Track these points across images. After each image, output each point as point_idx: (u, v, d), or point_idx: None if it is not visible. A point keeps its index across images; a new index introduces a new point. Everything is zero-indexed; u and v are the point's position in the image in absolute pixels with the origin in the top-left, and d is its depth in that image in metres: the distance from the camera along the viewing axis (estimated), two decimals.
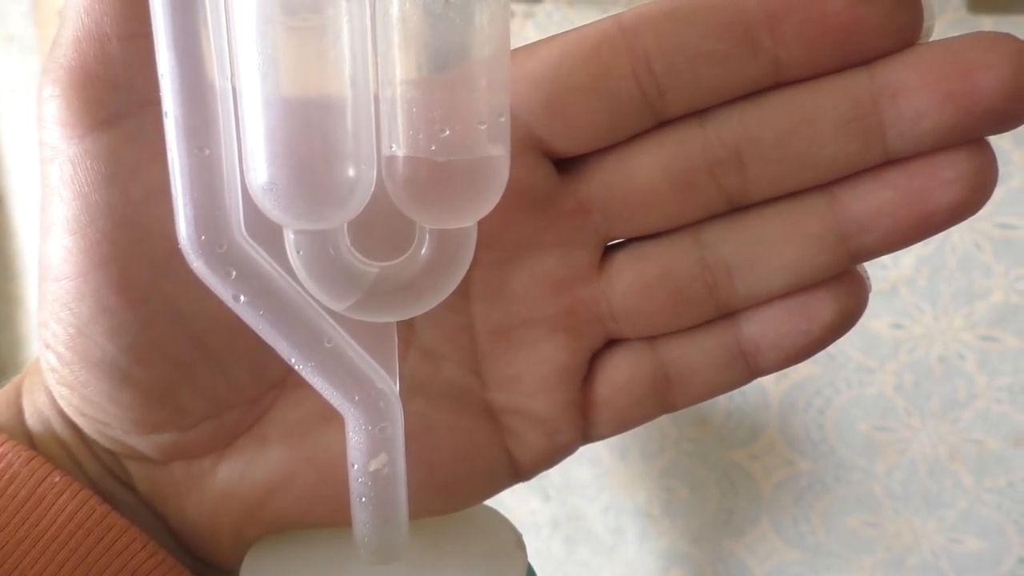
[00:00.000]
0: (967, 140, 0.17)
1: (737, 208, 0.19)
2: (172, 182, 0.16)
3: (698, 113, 0.18)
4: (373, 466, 0.18)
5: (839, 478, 0.68)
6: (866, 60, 0.17)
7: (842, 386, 0.66)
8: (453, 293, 0.18)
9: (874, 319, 0.62)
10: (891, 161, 0.18)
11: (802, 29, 0.17)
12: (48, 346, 0.18)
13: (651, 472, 0.74)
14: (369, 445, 0.18)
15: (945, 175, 0.17)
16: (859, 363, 0.64)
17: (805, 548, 0.71)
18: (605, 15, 0.18)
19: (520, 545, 0.20)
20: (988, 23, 0.55)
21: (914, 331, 0.63)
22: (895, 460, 0.66)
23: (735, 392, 0.49)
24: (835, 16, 0.17)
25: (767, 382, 0.67)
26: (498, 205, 0.17)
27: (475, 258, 0.18)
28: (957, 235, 0.58)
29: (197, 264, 0.16)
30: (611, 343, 0.20)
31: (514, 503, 0.21)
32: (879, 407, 0.65)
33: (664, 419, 0.60)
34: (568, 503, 0.78)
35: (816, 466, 0.69)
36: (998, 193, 0.53)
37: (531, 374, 0.20)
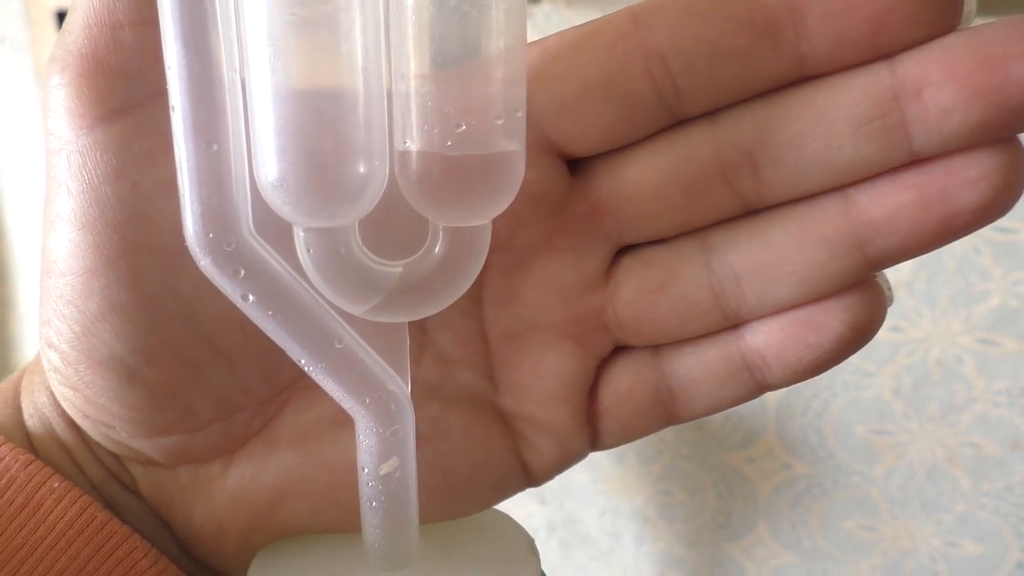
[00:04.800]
0: (995, 138, 0.16)
1: (751, 212, 0.18)
2: (179, 178, 0.15)
3: (709, 113, 0.17)
4: (384, 470, 0.17)
5: (836, 482, 0.68)
6: (896, 53, 0.16)
7: (840, 389, 0.65)
8: (465, 297, 0.17)
9: None
10: (912, 161, 0.17)
11: (828, 21, 0.16)
12: (51, 345, 0.17)
13: (648, 476, 0.74)
14: (380, 448, 0.17)
15: (968, 174, 0.16)
16: (857, 366, 0.64)
17: (802, 552, 0.71)
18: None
19: (532, 550, 0.20)
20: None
21: (912, 334, 0.62)
22: (893, 464, 0.66)
23: None
24: (864, 5, 0.15)
25: None
26: (510, 207, 0.16)
27: (487, 261, 0.17)
28: None
29: (204, 262, 0.16)
30: (617, 351, 0.20)
31: (510, 506, 0.21)
32: (877, 410, 0.65)
33: None
34: (565, 507, 0.77)
35: (813, 470, 0.69)
36: None
37: (540, 382, 0.19)
